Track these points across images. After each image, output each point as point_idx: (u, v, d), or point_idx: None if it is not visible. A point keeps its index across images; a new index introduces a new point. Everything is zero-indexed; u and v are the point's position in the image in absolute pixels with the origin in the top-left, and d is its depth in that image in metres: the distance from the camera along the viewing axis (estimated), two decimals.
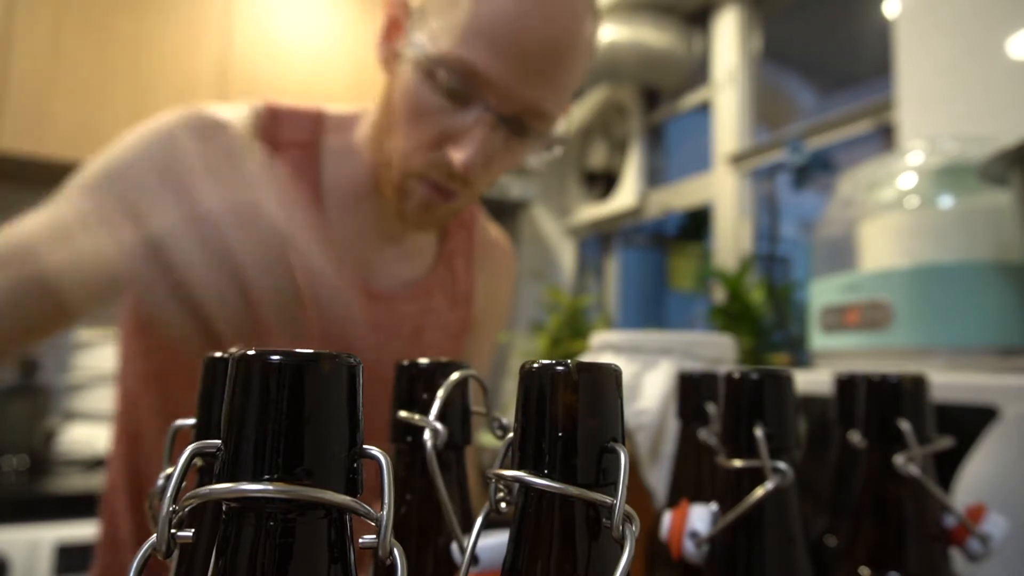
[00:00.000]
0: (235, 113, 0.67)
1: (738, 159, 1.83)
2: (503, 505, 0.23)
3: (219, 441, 0.17)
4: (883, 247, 0.69)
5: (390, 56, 0.63)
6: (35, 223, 0.53)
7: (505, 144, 0.61)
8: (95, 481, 1.54)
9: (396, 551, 0.18)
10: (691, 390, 0.43)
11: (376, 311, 0.69)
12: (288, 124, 0.69)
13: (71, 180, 0.60)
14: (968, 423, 0.46)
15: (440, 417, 0.27)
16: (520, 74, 0.57)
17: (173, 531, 0.18)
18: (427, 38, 0.58)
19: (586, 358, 0.67)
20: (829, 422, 0.47)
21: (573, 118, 2.35)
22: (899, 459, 0.33)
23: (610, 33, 1.97)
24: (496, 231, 0.86)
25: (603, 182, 2.33)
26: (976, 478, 0.43)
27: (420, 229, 0.69)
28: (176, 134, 0.59)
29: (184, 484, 0.19)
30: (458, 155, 0.58)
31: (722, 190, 1.88)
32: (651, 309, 2.55)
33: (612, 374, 0.21)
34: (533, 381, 0.21)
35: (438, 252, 0.78)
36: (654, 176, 2.21)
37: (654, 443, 0.60)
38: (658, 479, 0.59)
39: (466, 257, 0.81)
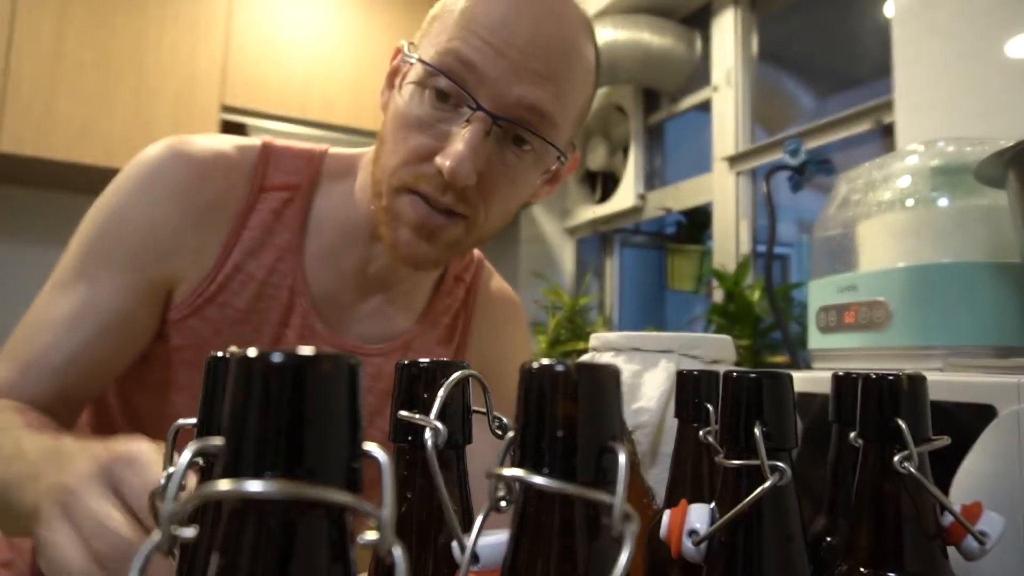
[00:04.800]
0: (230, 145, 0.67)
1: (737, 160, 1.84)
2: (503, 504, 0.23)
3: (221, 440, 0.17)
4: (881, 247, 0.69)
5: (388, 100, 0.64)
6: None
7: (501, 155, 0.60)
8: None
9: (397, 549, 0.18)
10: (690, 390, 0.44)
11: None
12: (278, 165, 0.68)
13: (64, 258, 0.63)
14: (965, 422, 0.46)
15: (440, 416, 0.27)
16: (509, 67, 0.57)
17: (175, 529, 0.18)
18: (420, 53, 0.60)
19: (586, 358, 0.68)
20: (827, 421, 0.47)
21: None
22: (897, 458, 0.33)
23: (609, 34, 1.97)
24: (500, 284, 0.83)
25: (603, 182, 2.33)
26: (973, 477, 0.43)
27: (416, 266, 0.64)
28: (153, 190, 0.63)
29: (185, 483, 0.19)
30: (445, 158, 0.57)
31: (721, 191, 1.88)
32: (651, 309, 2.55)
33: (612, 374, 0.21)
34: (533, 381, 0.21)
35: (426, 307, 0.75)
36: (653, 177, 2.21)
37: (653, 443, 0.61)
38: (658, 479, 0.60)
39: (461, 314, 0.77)
